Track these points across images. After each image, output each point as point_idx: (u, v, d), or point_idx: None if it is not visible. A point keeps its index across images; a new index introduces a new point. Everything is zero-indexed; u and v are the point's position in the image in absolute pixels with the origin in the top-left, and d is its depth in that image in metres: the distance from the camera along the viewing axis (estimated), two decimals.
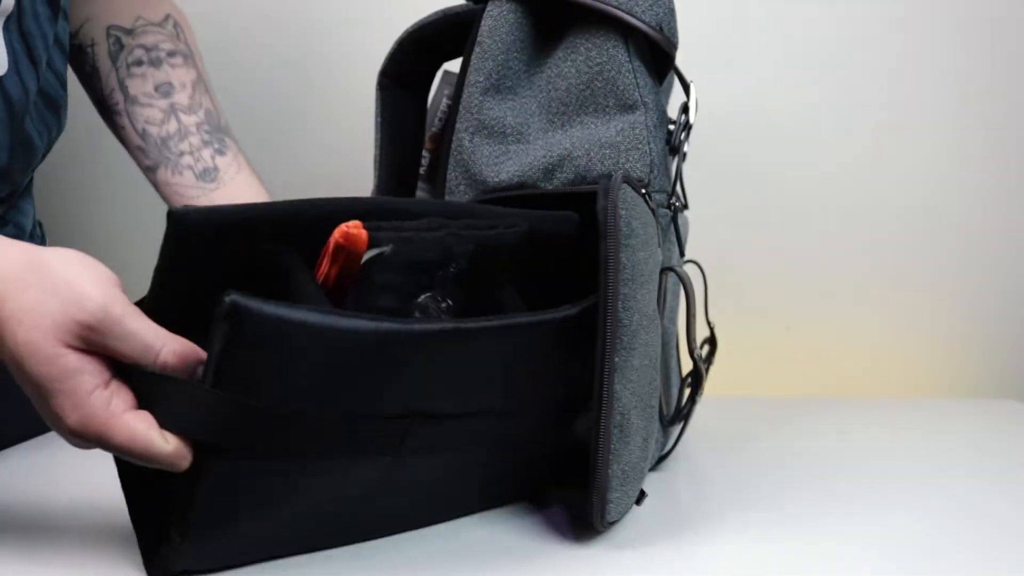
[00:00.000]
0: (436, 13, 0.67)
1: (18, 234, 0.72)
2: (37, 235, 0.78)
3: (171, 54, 0.76)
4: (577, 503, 0.56)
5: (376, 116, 0.72)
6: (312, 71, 1.01)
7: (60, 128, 0.74)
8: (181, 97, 0.74)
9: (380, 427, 0.47)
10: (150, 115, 0.74)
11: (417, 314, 0.50)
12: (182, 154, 0.73)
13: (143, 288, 0.46)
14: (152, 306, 0.45)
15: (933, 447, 0.77)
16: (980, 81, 1.00)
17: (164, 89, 0.74)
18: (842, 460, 0.71)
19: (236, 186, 0.72)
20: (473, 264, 0.51)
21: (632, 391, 0.51)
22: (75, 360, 0.42)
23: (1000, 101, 1.01)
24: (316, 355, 0.42)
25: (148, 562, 0.46)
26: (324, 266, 0.46)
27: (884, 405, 0.93)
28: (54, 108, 0.71)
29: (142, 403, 0.44)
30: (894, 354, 1.03)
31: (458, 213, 0.52)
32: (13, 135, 0.66)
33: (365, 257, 0.46)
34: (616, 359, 0.50)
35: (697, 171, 0.82)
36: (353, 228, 0.45)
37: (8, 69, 0.64)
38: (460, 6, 0.66)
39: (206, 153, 0.73)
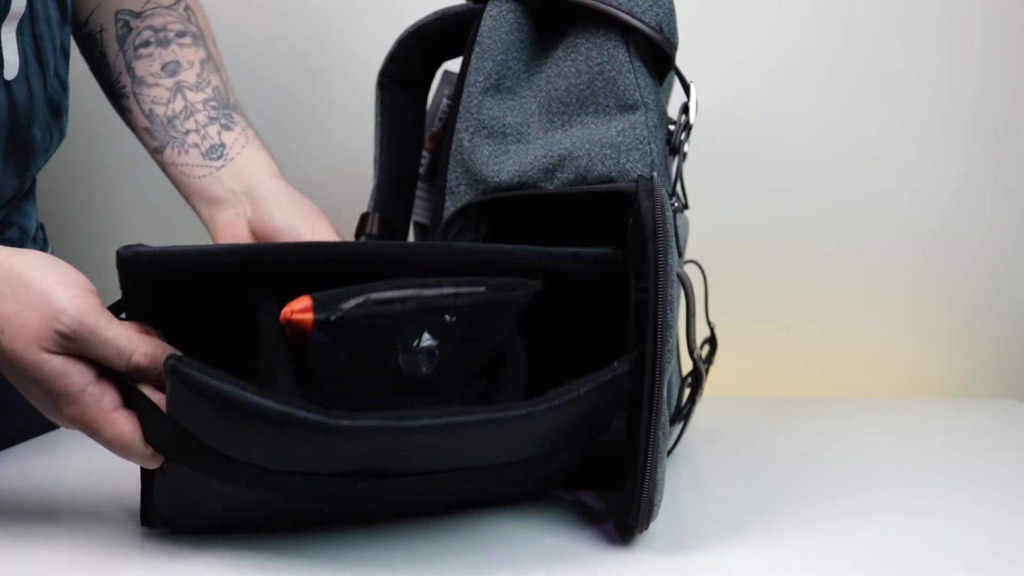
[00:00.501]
0: (436, 13, 0.67)
1: (22, 237, 0.72)
2: (40, 238, 0.78)
3: (180, 34, 0.74)
4: (610, 503, 0.57)
5: (376, 116, 0.72)
6: (312, 71, 1.01)
7: (61, 134, 0.73)
8: (188, 75, 0.72)
9: (325, 481, 0.45)
10: (156, 95, 0.72)
11: (400, 356, 0.46)
12: (188, 132, 0.71)
13: None
14: (128, 313, 0.48)
15: (933, 447, 0.77)
16: (978, 81, 1.00)
17: (171, 68, 0.72)
18: (842, 460, 0.71)
19: (242, 160, 0.70)
20: (473, 315, 0.48)
21: (666, 392, 0.51)
22: (60, 364, 0.45)
23: (997, 100, 1.01)
24: (249, 421, 0.42)
25: (143, 512, 0.51)
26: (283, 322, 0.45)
27: (884, 405, 0.93)
28: (57, 113, 0.71)
29: (127, 403, 0.47)
30: (894, 354, 1.03)
31: (464, 266, 0.48)
32: (12, 139, 0.66)
33: (329, 317, 0.44)
34: (664, 362, 0.48)
35: (697, 171, 0.82)
36: (297, 314, 0.44)
37: (18, 74, 0.64)
38: (460, 6, 0.66)
39: (212, 130, 0.71)
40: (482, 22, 0.62)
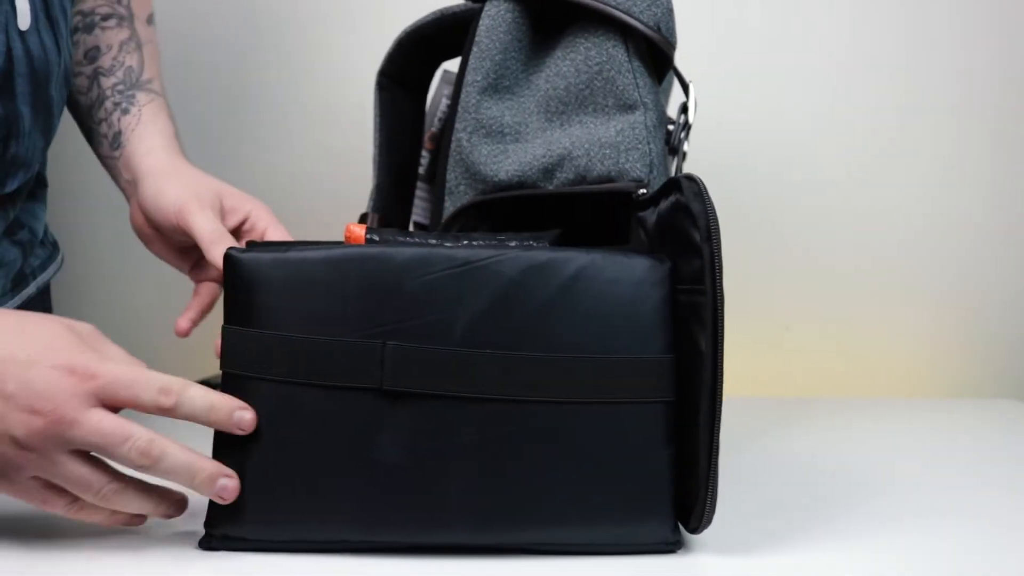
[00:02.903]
0: (434, 13, 0.67)
1: (31, 239, 0.71)
2: (48, 241, 0.77)
3: (105, 17, 0.73)
4: None
5: (375, 116, 0.72)
6: (311, 71, 1.01)
7: (61, 111, 0.72)
8: (105, 60, 0.72)
9: (356, 348, 0.48)
10: (80, 84, 0.72)
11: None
12: (100, 122, 0.71)
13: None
14: None
15: (933, 447, 0.76)
16: (978, 84, 1.00)
17: (92, 54, 0.71)
18: (842, 460, 0.71)
19: (130, 146, 0.69)
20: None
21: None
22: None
23: (998, 103, 1.01)
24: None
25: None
26: None
27: (884, 405, 0.93)
28: (68, 81, 0.70)
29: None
30: (894, 354, 1.03)
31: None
32: (35, 93, 0.64)
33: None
34: (722, 360, 0.48)
35: (697, 171, 0.82)
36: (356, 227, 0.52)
37: (30, 25, 0.62)
38: (458, 6, 0.66)
39: (115, 117, 0.70)
40: (480, 22, 0.62)
